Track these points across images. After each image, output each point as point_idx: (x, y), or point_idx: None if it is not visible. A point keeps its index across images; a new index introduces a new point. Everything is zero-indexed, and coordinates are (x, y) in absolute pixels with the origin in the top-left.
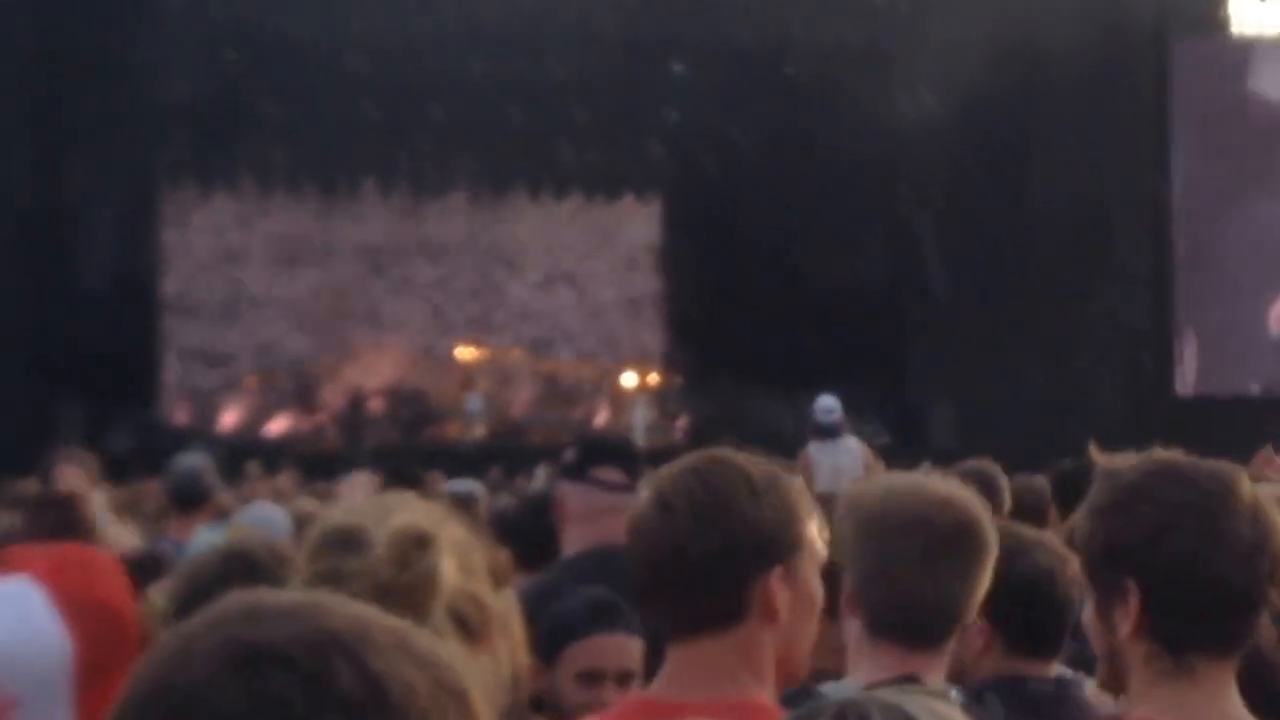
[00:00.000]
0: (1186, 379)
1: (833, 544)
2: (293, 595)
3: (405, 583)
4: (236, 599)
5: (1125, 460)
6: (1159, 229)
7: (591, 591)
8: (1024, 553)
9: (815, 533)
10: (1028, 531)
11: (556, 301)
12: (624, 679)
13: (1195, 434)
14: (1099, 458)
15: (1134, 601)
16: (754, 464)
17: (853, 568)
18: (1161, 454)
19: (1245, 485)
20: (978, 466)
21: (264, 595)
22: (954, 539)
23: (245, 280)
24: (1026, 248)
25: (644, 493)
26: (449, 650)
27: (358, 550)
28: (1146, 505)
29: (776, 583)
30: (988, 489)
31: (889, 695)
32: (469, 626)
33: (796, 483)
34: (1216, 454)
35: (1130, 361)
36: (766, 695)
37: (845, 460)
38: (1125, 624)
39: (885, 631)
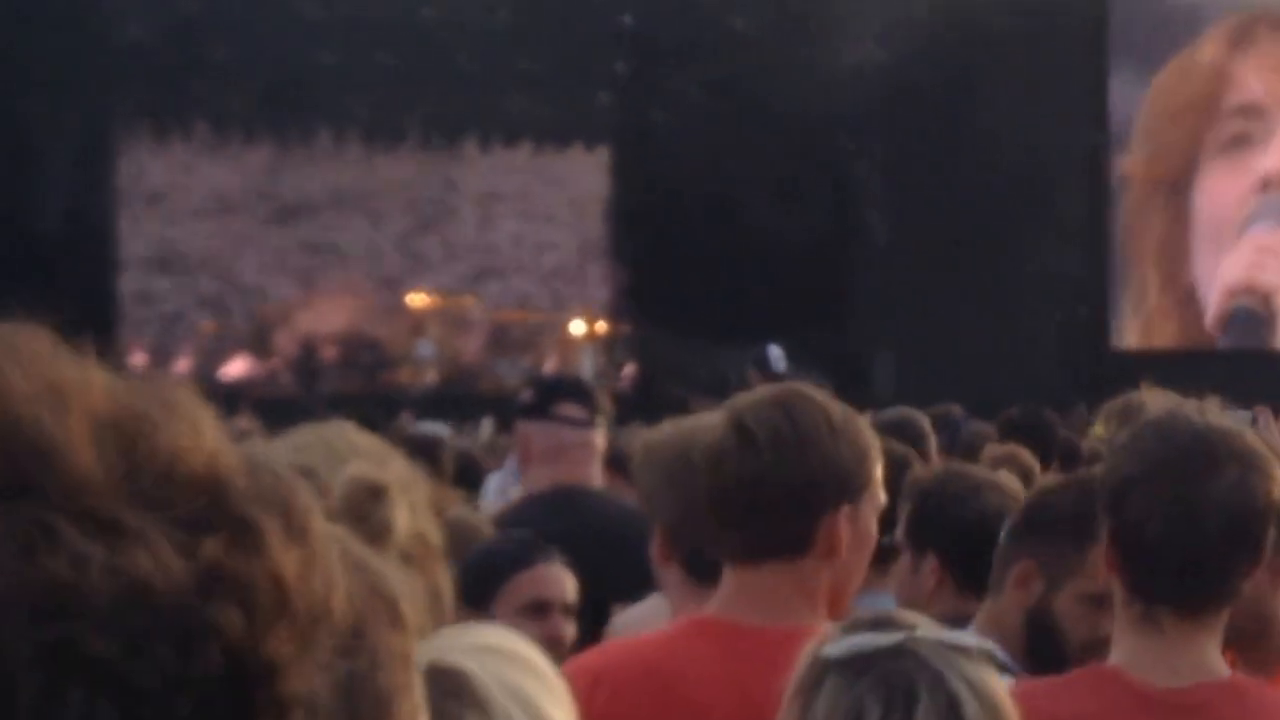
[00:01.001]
0: (1125, 333)
1: (639, 496)
2: None
3: (360, 536)
4: None
5: (1165, 399)
6: (1096, 182)
7: (516, 532)
8: (974, 494)
9: (879, 476)
10: (978, 473)
11: (506, 250)
12: (568, 612)
13: (1130, 386)
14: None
15: (1108, 540)
16: (832, 402)
17: (661, 516)
18: (1183, 403)
19: (1234, 445)
20: (900, 415)
21: None
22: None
23: (199, 225)
24: (965, 199)
25: (720, 421)
26: (380, 561)
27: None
28: (1127, 454)
29: (843, 520)
30: (914, 436)
31: (935, 653)
32: (413, 562)
33: (867, 424)
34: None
35: (1067, 313)
36: (820, 626)
37: None
38: (1105, 563)
39: (708, 576)
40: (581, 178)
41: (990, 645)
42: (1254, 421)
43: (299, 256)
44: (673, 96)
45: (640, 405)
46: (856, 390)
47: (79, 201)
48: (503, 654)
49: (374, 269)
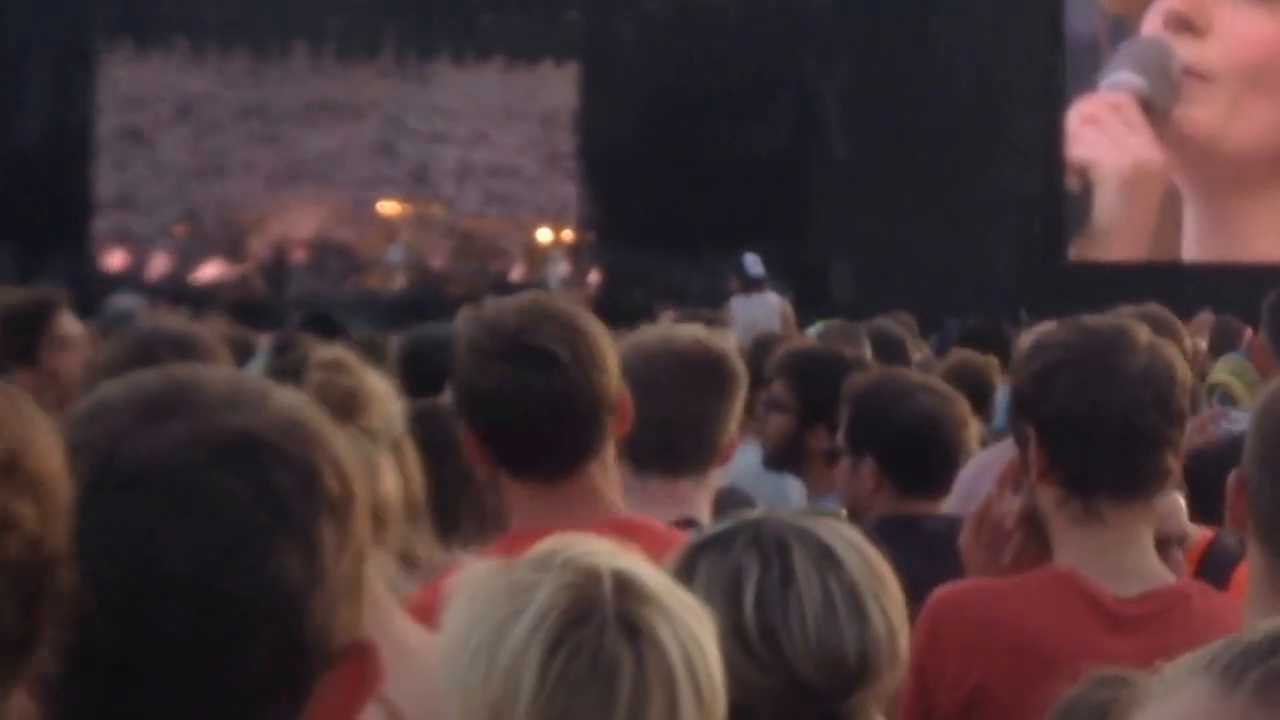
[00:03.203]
0: (1076, 245)
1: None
2: (227, 374)
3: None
4: (166, 376)
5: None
6: (1052, 100)
7: None
8: (909, 396)
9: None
10: (914, 375)
11: (476, 160)
12: None
13: (1082, 298)
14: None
15: (1035, 445)
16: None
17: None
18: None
19: (1144, 333)
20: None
21: (197, 374)
22: (702, 368)
23: (175, 133)
24: (924, 116)
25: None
26: (338, 435)
27: None
28: (1043, 351)
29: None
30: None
31: (793, 518)
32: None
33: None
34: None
35: (1022, 227)
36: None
37: (760, 314)
38: (1034, 471)
39: (648, 463)
40: (551, 92)
41: (839, 509)
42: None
43: (273, 165)
44: (640, 13)
45: (605, 312)
46: (815, 299)
47: (59, 112)
48: (638, 558)
49: (346, 177)
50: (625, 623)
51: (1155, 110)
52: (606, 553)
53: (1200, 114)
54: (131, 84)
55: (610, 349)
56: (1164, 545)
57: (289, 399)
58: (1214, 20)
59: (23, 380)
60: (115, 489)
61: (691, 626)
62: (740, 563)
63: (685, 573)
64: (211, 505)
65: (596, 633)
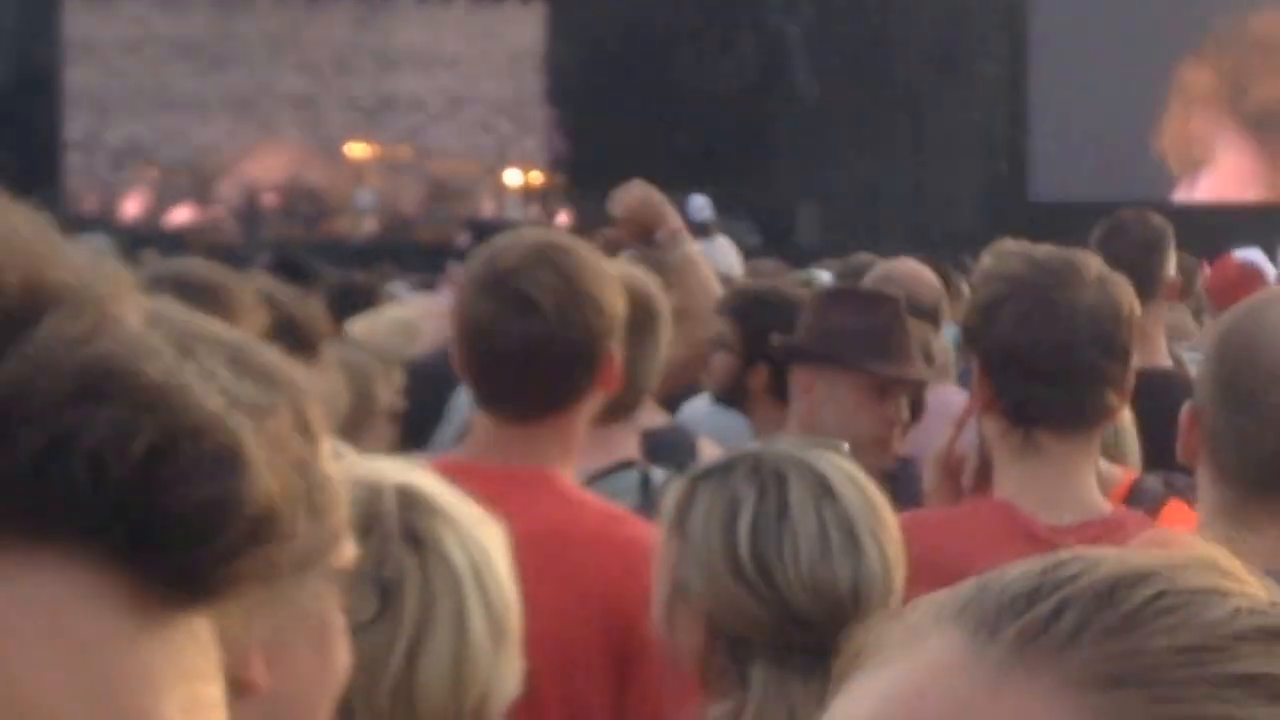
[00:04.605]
0: (1040, 184)
1: None
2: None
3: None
4: None
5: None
6: (1016, 38)
7: None
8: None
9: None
10: (791, 290)
11: (443, 102)
12: None
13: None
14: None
15: (979, 376)
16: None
17: None
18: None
19: (1093, 264)
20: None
21: None
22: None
23: (145, 75)
24: (889, 56)
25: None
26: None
27: None
28: (991, 283)
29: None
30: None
31: (794, 449)
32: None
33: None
34: None
35: (986, 166)
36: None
37: (719, 258)
38: (979, 402)
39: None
40: (517, 32)
41: (841, 444)
42: None
43: (240, 107)
44: None
45: None
46: (782, 239)
47: (25, 53)
48: (433, 476)
49: (313, 119)
50: (410, 535)
51: None
52: (392, 468)
53: None
54: (96, 26)
55: (611, 308)
56: None
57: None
58: None
59: None
60: None
61: (480, 538)
62: (737, 493)
63: (685, 501)
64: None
65: (380, 545)
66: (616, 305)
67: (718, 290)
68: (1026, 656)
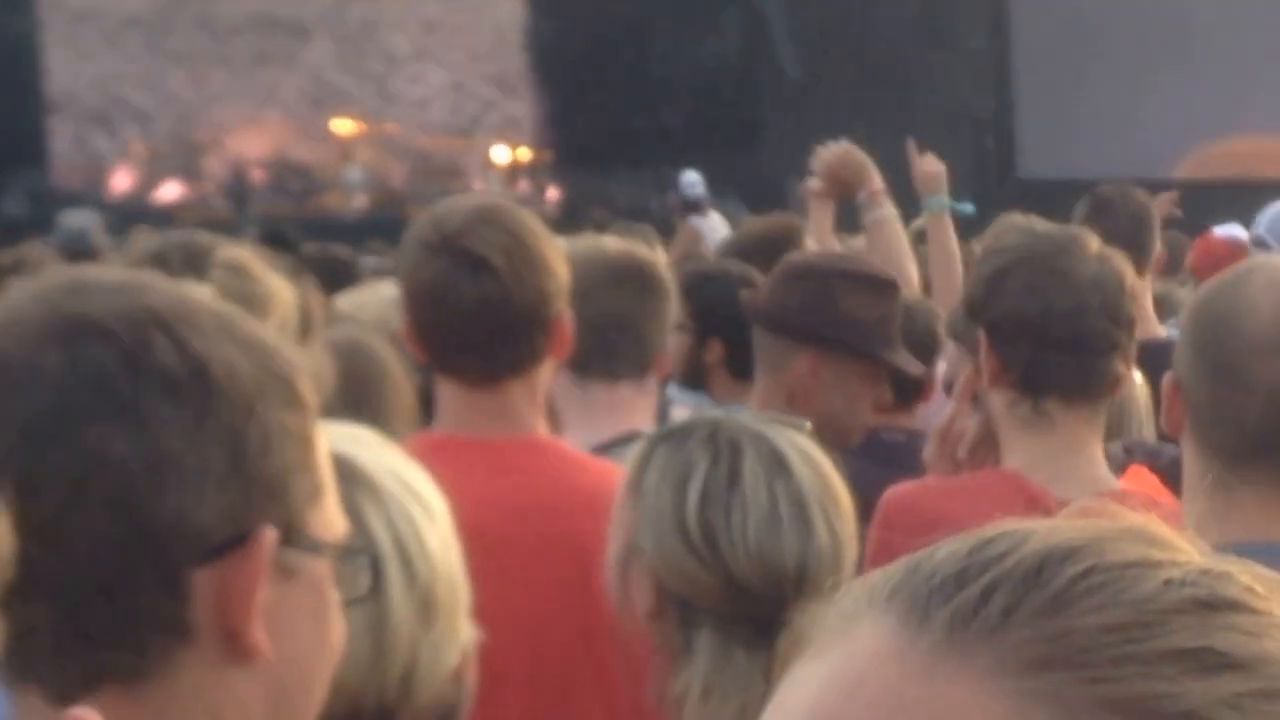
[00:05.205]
0: (1029, 161)
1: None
2: (118, 272)
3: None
4: (62, 272)
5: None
6: (1000, 12)
7: None
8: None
9: None
10: (907, 295)
11: (428, 78)
12: None
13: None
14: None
15: (986, 349)
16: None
17: None
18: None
19: (1094, 241)
20: None
21: (89, 270)
22: (632, 273)
23: (131, 50)
24: (874, 31)
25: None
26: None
27: None
28: (995, 255)
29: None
30: None
31: (754, 422)
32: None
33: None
34: None
35: (973, 143)
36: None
37: (711, 232)
38: (986, 375)
39: (587, 367)
40: (503, 8)
41: (804, 422)
42: None
43: (226, 82)
44: None
45: (563, 228)
46: (771, 212)
47: (7, 28)
48: (378, 444)
49: (300, 95)
50: None
51: None
52: (335, 436)
53: None
54: (80, 0)
55: (558, 271)
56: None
57: (167, 291)
58: None
59: None
60: None
61: (410, 510)
62: (692, 458)
63: (643, 461)
64: (26, 387)
65: None
66: (561, 268)
67: (910, 254)
68: (957, 643)
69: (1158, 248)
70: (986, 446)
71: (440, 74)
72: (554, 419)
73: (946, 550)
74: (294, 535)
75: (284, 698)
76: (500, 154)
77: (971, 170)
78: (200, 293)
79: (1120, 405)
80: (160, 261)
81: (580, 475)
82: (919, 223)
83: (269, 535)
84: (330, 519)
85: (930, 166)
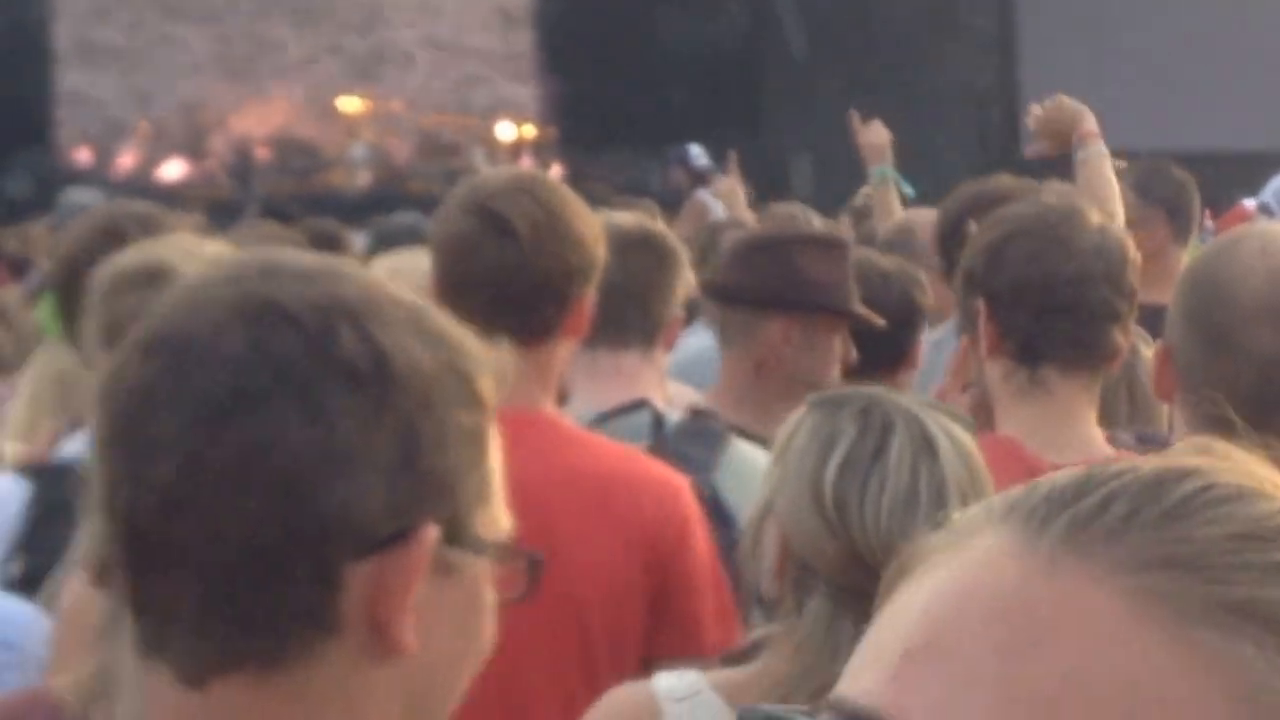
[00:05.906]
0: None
1: None
2: (313, 258)
3: None
4: (258, 256)
5: None
6: None
7: None
8: (886, 284)
9: None
10: (886, 262)
11: (433, 57)
12: None
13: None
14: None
15: (985, 318)
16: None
17: None
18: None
19: (1094, 213)
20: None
21: (285, 255)
22: (642, 242)
23: (135, 29)
24: (879, 9)
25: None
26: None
27: (164, 287)
28: (996, 225)
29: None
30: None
31: (911, 403)
32: None
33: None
34: None
35: (977, 122)
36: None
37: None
38: (984, 345)
39: (593, 333)
40: None
41: (968, 417)
42: None
43: (231, 60)
44: None
45: None
46: (777, 191)
47: (13, 7)
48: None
49: (305, 73)
50: None
51: None
52: None
53: None
54: None
55: (587, 251)
56: None
57: (359, 280)
58: None
59: None
60: (141, 352)
61: None
62: (841, 426)
63: (797, 423)
64: (207, 366)
65: None
66: (595, 250)
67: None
68: (1078, 543)
69: (1196, 217)
70: (981, 417)
71: (445, 52)
72: (561, 386)
73: (1063, 473)
74: (457, 533)
75: (424, 695)
76: (505, 131)
77: (976, 149)
78: (395, 285)
79: (1145, 388)
80: (114, 233)
81: (564, 452)
82: (865, 191)
83: (430, 533)
84: (495, 518)
85: (875, 137)
